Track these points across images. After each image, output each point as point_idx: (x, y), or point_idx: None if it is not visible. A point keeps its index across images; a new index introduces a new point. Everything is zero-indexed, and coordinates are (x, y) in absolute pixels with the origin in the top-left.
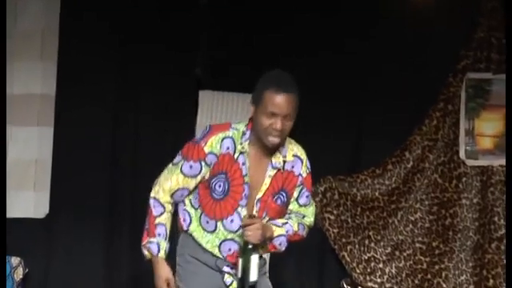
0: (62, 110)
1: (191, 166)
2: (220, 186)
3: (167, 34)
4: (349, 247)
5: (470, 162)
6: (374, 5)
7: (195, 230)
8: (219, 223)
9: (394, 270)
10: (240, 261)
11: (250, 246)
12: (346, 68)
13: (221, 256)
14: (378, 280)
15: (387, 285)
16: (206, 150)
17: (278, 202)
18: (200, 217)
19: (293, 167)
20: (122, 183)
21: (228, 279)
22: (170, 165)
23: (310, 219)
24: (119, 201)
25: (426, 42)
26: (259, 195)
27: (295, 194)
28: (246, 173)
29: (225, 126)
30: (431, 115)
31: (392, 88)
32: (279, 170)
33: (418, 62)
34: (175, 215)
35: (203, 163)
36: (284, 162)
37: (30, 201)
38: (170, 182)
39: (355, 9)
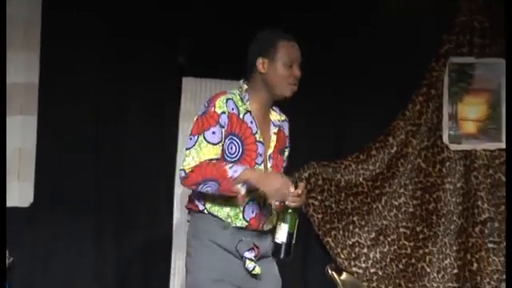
0: (45, 100)
1: (214, 132)
2: (232, 148)
3: (149, 22)
4: (333, 233)
5: (454, 147)
6: None
7: (212, 205)
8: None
9: (378, 255)
10: (283, 225)
11: (291, 210)
12: (329, 55)
13: (245, 223)
14: (363, 265)
15: (372, 270)
16: (218, 110)
17: (282, 159)
18: None
19: (283, 127)
20: (107, 171)
21: (250, 265)
22: (186, 151)
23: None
24: (104, 189)
25: (408, 27)
26: (270, 151)
27: (284, 157)
28: (257, 131)
29: (222, 92)
30: (414, 100)
31: (375, 73)
32: (279, 128)
33: (401, 47)
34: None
35: (219, 126)
36: (280, 119)
37: (14, 190)
38: (203, 156)
39: None
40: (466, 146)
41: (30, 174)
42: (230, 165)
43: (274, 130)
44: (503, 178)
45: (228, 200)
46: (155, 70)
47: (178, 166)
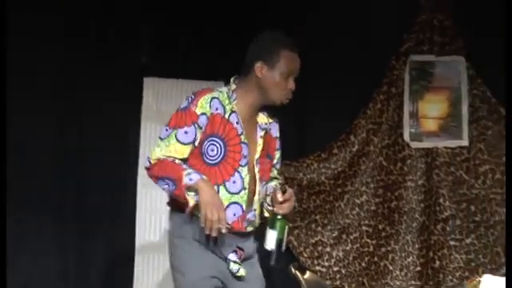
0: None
1: (186, 132)
2: (213, 150)
3: (110, 22)
4: (296, 231)
5: (415, 144)
6: None
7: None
8: (221, 187)
9: (341, 254)
10: (271, 232)
11: (280, 217)
12: None
13: (227, 225)
14: (326, 263)
15: (335, 268)
16: (198, 111)
17: (270, 163)
18: None
19: (271, 129)
20: (69, 171)
21: (234, 267)
22: (159, 140)
23: (281, 181)
24: (66, 188)
25: (368, 26)
26: (257, 156)
27: (275, 160)
28: (242, 131)
29: (209, 89)
30: (375, 98)
31: (336, 72)
32: (266, 131)
33: (361, 46)
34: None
35: (196, 126)
36: (268, 122)
37: None
38: (169, 153)
39: None
40: (427, 144)
41: None
42: (188, 171)
43: (260, 133)
44: (464, 176)
45: None
46: (117, 70)
47: (141, 166)
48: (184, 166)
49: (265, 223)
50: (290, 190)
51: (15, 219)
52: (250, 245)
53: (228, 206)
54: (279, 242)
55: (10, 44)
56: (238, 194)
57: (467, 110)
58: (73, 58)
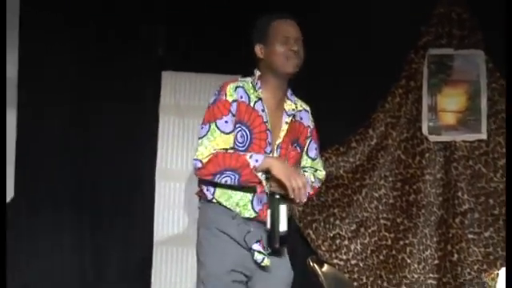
0: (24, 94)
1: (226, 122)
2: (242, 136)
3: (127, 14)
4: (314, 225)
5: (433, 138)
6: None
7: (221, 194)
8: None
9: (359, 247)
10: (269, 212)
11: (278, 196)
12: (309, 46)
13: (253, 213)
14: (344, 257)
15: (353, 261)
16: (229, 98)
17: (298, 149)
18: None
19: (301, 118)
20: (87, 165)
21: (259, 257)
22: (200, 140)
23: (322, 172)
24: (84, 184)
25: (387, 19)
26: (278, 141)
27: (305, 147)
28: (267, 119)
29: (233, 80)
30: (394, 92)
31: (354, 66)
32: (293, 117)
33: (380, 40)
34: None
35: (231, 114)
36: (296, 109)
37: None
38: (216, 146)
39: None
40: (445, 138)
41: (11, 168)
42: (249, 154)
43: (286, 119)
44: (483, 169)
45: (237, 189)
46: (134, 64)
47: (159, 161)
48: (241, 153)
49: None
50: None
51: (30, 217)
52: None
53: (255, 194)
54: (272, 221)
55: (32, 38)
56: (265, 179)
57: (486, 103)
58: (89, 52)
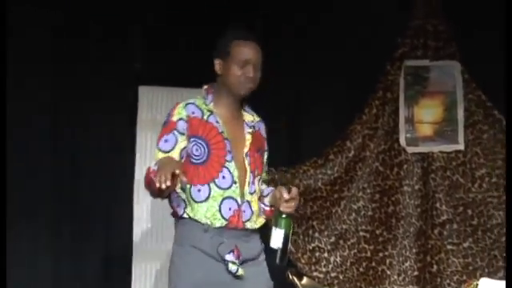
0: None
1: (166, 140)
2: (197, 150)
3: (104, 28)
4: (293, 238)
5: (411, 149)
6: None
7: (191, 208)
8: (212, 184)
9: (338, 259)
10: (277, 231)
11: (285, 215)
12: (286, 59)
13: (224, 221)
14: (323, 269)
15: (332, 274)
16: (175, 118)
17: (261, 159)
18: (190, 192)
19: (259, 129)
20: (64, 181)
21: (233, 267)
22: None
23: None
24: (61, 199)
25: (362, 31)
26: (245, 150)
27: (264, 158)
28: (223, 130)
29: (184, 101)
30: (371, 104)
31: (331, 78)
32: (253, 128)
33: (356, 52)
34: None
35: (176, 132)
36: (254, 120)
37: None
38: (156, 166)
39: None
40: (422, 149)
41: None
42: (154, 163)
43: (248, 129)
44: (461, 180)
45: (202, 201)
46: (111, 78)
47: (137, 174)
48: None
49: (268, 223)
50: (294, 189)
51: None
52: (253, 246)
53: (222, 202)
54: (285, 240)
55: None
56: (229, 188)
57: (463, 114)
58: (66, 65)
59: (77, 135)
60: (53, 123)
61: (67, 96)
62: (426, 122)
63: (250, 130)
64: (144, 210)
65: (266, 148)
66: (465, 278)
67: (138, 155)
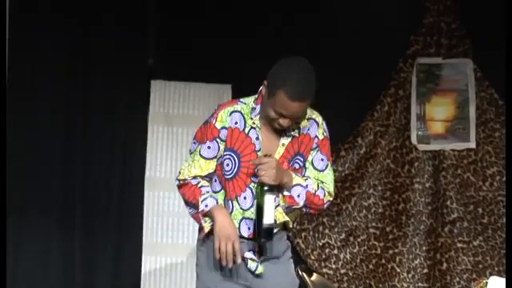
0: (13, 103)
1: (209, 147)
2: (228, 165)
3: (117, 23)
4: (303, 234)
5: (422, 147)
6: None
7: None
8: (234, 202)
9: (348, 256)
10: (255, 203)
11: (266, 188)
12: (297, 52)
13: (243, 237)
14: (333, 266)
15: (342, 270)
16: (218, 125)
17: (296, 166)
18: (224, 198)
19: (308, 129)
20: (76, 174)
21: (252, 265)
22: (189, 155)
23: (329, 186)
24: (73, 192)
25: (375, 29)
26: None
27: (309, 158)
28: (260, 148)
29: (233, 102)
30: (382, 101)
31: (343, 74)
32: (294, 136)
33: (369, 49)
34: None
35: (219, 140)
36: (298, 128)
37: None
38: (194, 170)
39: None
40: (434, 147)
41: None
42: (204, 196)
43: (284, 141)
44: (472, 178)
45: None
46: (124, 73)
47: (148, 170)
48: (203, 191)
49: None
50: (270, 158)
51: (19, 222)
52: (277, 245)
53: (241, 221)
54: (258, 211)
55: (21, 43)
56: (248, 209)
57: (474, 112)
58: (79, 59)
59: (89, 129)
60: (64, 119)
61: (79, 91)
62: (437, 120)
63: (286, 141)
64: (155, 203)
65: (315, 146)
66: (474, 276)
67: (149, 149)
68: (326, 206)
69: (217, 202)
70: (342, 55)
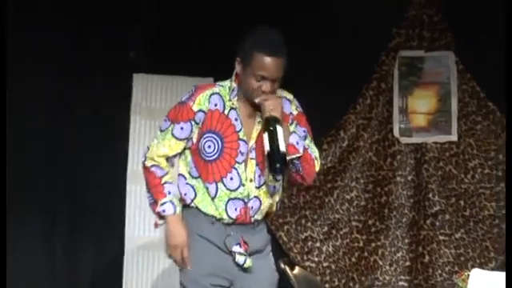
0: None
1: (182, 128)
2: (210, 147)
3: (100, 17)
4: (285, 227)
5: (404, 140)
6: None
7: (201, 200)
8: (219, 184)
9: (330, 249)
10: (266, 135)
11: (276, 119)
12: None
13: (230, 219)
14: (316, 259)
15: (324, 263)
16: (195, 108)
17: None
18: (203, 184)
19: (281, 107)
20: (58, 167)
21: (240, 258)
22: (159, 132)
23: (315, 152)
24: (55, 186)
25: (357, 21)
26: (251, 142)
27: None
28: (241, 128)
29: (211, 84)
30: (365, 94)
31: (325, 68)
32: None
33: (351, 42)
34: None
35: (193, 122)
36: None
37: None
38: (164, 149)
39: None
40: (416, 139)
41: None
42: (164, 200)
43: (259, 119)
44: (454, 171)
45: (212, 200)
46: (106, 66)
47: (130, 163)
48: (165, 190)
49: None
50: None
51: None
52: (259, 238)
53: (228, 202)
54: (271, 140)
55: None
56: (236, 190)
57: (456, 105)
58: (63, 53)
59: (72, 122)
60: (47, 110)
61: (62, 83)
62: (419, 113)
63: (259, 119)
64: (137, 197)
65: (291, 121)
66: (456, 268)
67: (131, 142)
68: (316, 170)
69: (174, 209)
70: (324, 48)
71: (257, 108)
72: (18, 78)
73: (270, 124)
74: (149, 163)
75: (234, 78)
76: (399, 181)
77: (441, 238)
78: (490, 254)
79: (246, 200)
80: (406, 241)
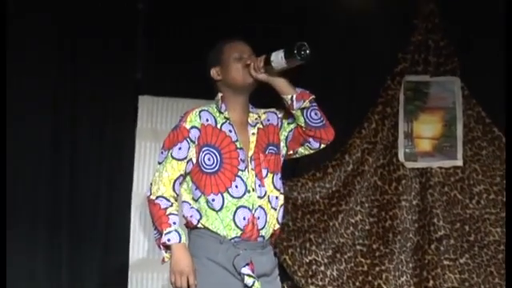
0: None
1: (180, 148)
2: (210, 159)
3: (106, 38)
4: (290, 250)
5: (409, 164)
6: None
7: (207, 219)
8: (225, 194)
9: (335, 273)
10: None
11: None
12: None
13: (239, 231)
14: (320, 283)
15: (329, 287)
16: (188, 125)
17: (272, 152)
18: (206, 202)
19: (268, 120)
20: (63, 189)
21: (249, 280)
22: (158, 165)
23: None
24: (60, 207)
25: (364, 46)
26: (250, 153)
27: (282, 136)
28: (237, 138)
29: (197, 106)
30: (370, 118)
31: (331, 91)
32: (261, 124)
33: (356, 66)
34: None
35: (189, 140)
36: (259, 118)
37: None
38: (167, 173)
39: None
40: (421, 164)
41: None
42: (169, 230)
43: (251, 131)
44: (459, 196)
45: (217, 211)
46: (111, 88)
47: (135, 185)
48: (170, 221)
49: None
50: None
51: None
52: (267, 260)
53: (236, 211)
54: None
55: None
56: (242, 197)
57: (462, 130)
58: (67, 74)
59: (77, 144)
60: (52, 131)
61: (68, 104)
62: (425, 138)
63: (253, 131)
64: (142, 218)
65: (278, 116)
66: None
67: (136, 165)
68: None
69: (180, 238)
70: (330, 71)
71: (245, 114)
72: (21, 95)
73: (270, 52)
74: (153, 196)
75: (218, 96)
76: (404, 205)
77: (445, 262)
78: (494, 279)
79: (251, 208)
80: (411, 265)
